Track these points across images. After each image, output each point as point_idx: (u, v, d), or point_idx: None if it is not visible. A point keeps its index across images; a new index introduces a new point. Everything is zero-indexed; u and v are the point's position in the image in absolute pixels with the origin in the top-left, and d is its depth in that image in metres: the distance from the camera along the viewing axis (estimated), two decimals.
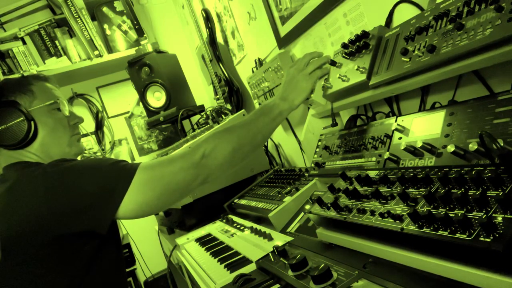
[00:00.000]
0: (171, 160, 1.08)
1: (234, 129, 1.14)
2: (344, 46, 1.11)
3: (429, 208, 0.64)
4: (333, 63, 1.15)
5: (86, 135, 3.06)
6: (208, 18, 2.33)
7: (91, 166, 1.05)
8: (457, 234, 0.56)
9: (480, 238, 0.53)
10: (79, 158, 1.31)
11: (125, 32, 2.98)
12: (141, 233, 2.93)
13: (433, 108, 0.93)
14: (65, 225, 0.98)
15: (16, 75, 2.71)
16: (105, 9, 2.95)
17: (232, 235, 1.44)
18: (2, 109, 1.11)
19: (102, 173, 1.03)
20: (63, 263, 1.00)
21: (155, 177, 1.04)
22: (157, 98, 2.62)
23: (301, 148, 1.83)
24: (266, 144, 2.14)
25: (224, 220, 1.69)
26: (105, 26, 2.94)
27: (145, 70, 2.56)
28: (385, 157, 0.94)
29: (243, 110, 1.99)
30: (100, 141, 3.10)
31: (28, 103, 1.15)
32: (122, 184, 1.01)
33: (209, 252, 1.35)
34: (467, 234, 0.55)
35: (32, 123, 1.13)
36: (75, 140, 1.24)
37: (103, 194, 1.00)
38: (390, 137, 0.99)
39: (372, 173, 0.87)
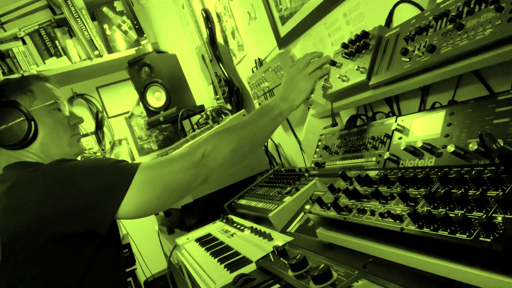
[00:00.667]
0: (171, 160, 1.08)
1: (234, 129, 1.14)
2: (344, 46, 1.11)
3: (429, 208, 0.64)
4: (333, 63, 1.15)
5: (86, 135, 3.06)
6: (208, 18, 2.33)
7: (91, 166, 1.05)
8: (457, 234, 0.56)
9: (480, 238, 0.53)
10: (79, 158, 1.31)
11: (125, 32, 2.98)
12: (141, 233, 2.93)
13: (433, 108, 0.93)
14: (66, 225, 0.98)
15: (16, 75, 2.71)
16: (105, 9, 2.95)
17: (232, 235, 1.44)
18: (2, 109, 1.11)
19: (102, 173, 1.03)
20: (63, 263, 1.00)
21: (155, 177, 1.04)
22: (157, 98, 2.62)
23: (301, 148, 1.83)
24: (266, 144, 2.14)
25: (224, 220, 1.69)
26: (105, 26, 2.94)
27: (145, 70, 2.56)
28: (385, 157, 0.94)
29: (243, 110, 1.99)
30: (100, 141, 3.10)
31: (29, 103, 1.15)
32: (122, 184, 1.01)
33: (209, 252, 1.35)
34: (467, 234, 0.55)
35: (33, 123, 1.13)
36: (75, 140, 1.24)
37: (103, 194, 1.00)
38: (390, 137, 0.99)
39: (372, 173, 0.87)
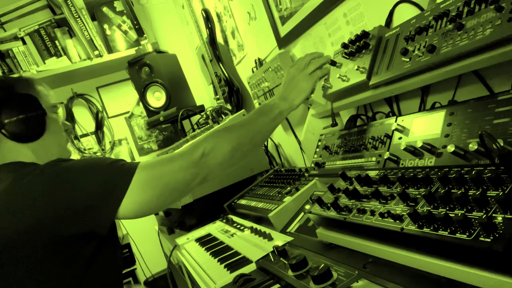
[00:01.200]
0: (170, 159, 1.08)
1: (234, 128, 1.14)
2: (344, 46, 1.11)
3: (429, 208, 0.64)
4: (333, 63, 1.15)
5: (86, 135, 3.06)
6: (208, 18, 2.33)
7: (90, 166, 1.05)
8: (457, 234, 0.56)
9: (480, 238, 0.53)
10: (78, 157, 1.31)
11: (125, 32, 2.98)
12: (141, 233, 2.93)
13: (433, 108, 0.93)
14: (65, 227, 0.97)
15: (16, 75, 2.71)
16: (105, 9, 2.95)
17: (232, 235, 1.44)
18: (23, 99, 1.11)
19: (101, 173, 1.03)
20: (63, 266, 1.00)
21: (155, 176, 1.04)
22: (157, 98, 2.62)
23: (301, 148, 1.83)
24: (266, 144, 2.14)
25: (224, 220, 1.69)
26: (105, 26, 2.94)
27: (145, 70, 2.56)
28: (385, 157, 0.94)
29: (243, 110, 1.99)
30: (100, 141, 3.10)
31: (39, 100, 1.16)
32: (121, 183, 1.01)
33: (209, 252, 1.36)
34: (467, 234, 0.55)
35: (46, 118, 1.14)
36: (67, 145, 1.26)
37: (102, 195, 1.00)
38: (390, 137, 0.99)
39: (372, 173, 0.87)
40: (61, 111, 1.24)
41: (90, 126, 3.09)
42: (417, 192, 0.71)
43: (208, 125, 2.12)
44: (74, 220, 0.97)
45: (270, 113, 1.16)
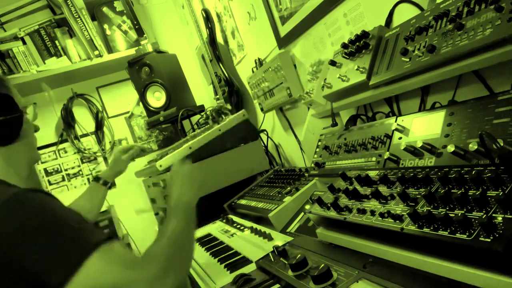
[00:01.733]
0: (134, 265, 0.87)
1: (181, 250, 0.97)
2: (344, 46, 1.11)
3: (429, 208, 0.64)
4: (333, 63, 1.16)
5: (86, 135, 3.06)
6: (208, 18, 2.33)
7: (46, 226, 0.83)
8: (457, 234, 0.56)
9: (480, 238, 0.53)
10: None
11: (125, 32, 2.98)
12: (141, 233, 2.93)
13: (433, 108, 0.93)
14: (14, 279, 0.79)
15: (16, 75, 2.71)
16: (105, 9, 2.95)
17: (232, 235, 1.44)
18: (1, 99, 1.02)
19: (55, 244, 0.82)
20: None
21: (105, 279, 0.82)
22: (157, 98, 2.62)
23: (301, 148, 1.83)
24: (266, 144, 2.14)
25: (224, 220, 1.69)
26: (105, 26, 2.94)
27: (145, 70, 2.56)
28: (385, 157, 0.94)
29: (243, 110, 1.98)
30: (100, 141, 3.10)
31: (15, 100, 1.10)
32: (71, 265, 0.80)
33: (209, 252, 1.35)
34: (467, 234, 0.55)
35: (24, 120, 1.07)
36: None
37: (51, 263, 0.81)
38: (390, 137, 0.99)
39: (372, 173, 0.87)
40: (31, 111, 1.18)
41: (90, 126, 3.09)
42: (417, 192, 0.71)
43: (208, 125, 2.12)
44: (20, 279, 0.80)
45: (185, 216, 1.04)
